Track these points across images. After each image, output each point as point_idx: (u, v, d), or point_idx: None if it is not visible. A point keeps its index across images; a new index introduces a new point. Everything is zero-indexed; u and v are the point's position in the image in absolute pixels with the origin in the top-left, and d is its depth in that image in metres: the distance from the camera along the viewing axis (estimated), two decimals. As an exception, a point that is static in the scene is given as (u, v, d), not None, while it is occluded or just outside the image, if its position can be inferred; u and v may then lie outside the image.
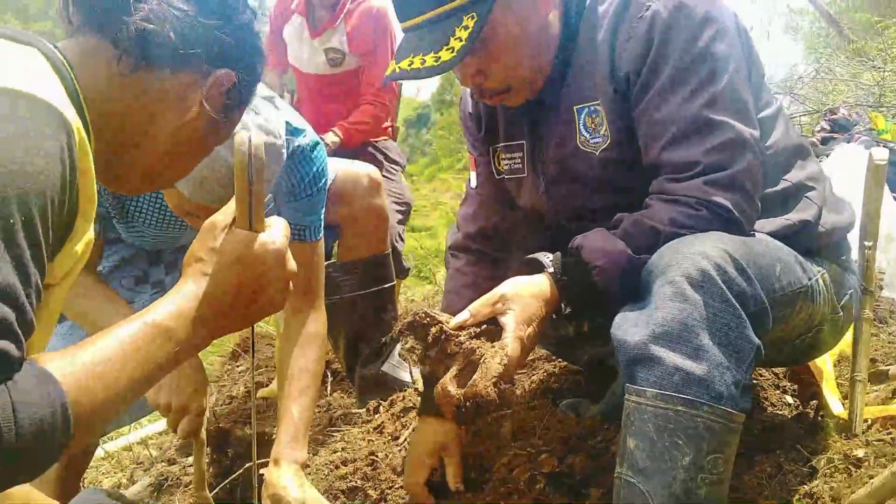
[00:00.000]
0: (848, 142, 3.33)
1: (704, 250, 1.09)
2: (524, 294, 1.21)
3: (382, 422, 1.99)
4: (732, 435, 1.08)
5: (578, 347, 1.71)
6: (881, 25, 6.11)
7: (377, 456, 1.80)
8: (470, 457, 1.61)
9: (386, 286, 2.17)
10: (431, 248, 5.26)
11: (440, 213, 5.64)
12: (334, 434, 2.07)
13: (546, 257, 1.29)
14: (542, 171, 1.44)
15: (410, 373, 2.18)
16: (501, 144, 1.51)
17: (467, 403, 1.11)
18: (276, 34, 3.18)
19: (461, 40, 1.18)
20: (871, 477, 1.24)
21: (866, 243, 1.54)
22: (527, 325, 1.19)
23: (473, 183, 1.65)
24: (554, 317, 1.27)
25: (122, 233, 1.69)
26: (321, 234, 1.73)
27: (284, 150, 1.40)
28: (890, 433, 1.43)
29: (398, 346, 2.23)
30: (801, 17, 9.45)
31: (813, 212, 1.36)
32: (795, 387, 1.73)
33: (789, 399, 1.72)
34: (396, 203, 2.76)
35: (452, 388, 1.13)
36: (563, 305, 1.26)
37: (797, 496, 1.33)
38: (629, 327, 1.11)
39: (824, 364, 1.62)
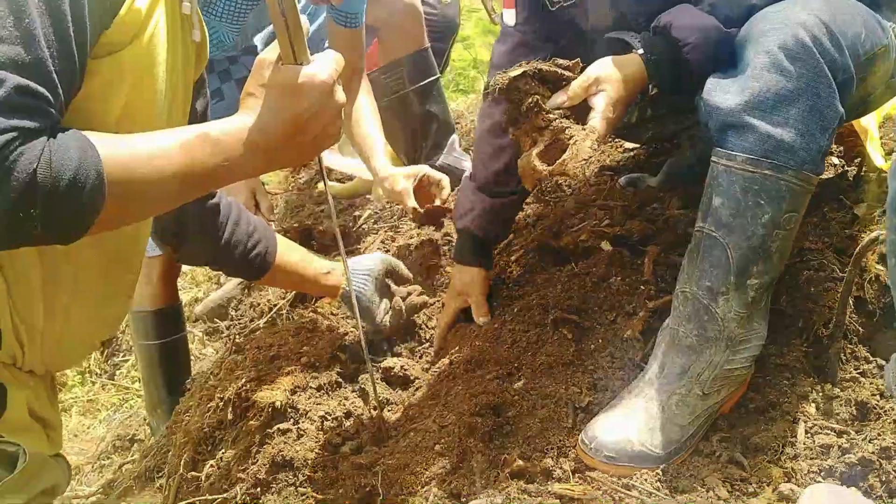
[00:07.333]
0: None
1: (801, 19, 1.11)
2: (617, 76, 1.23)
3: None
4: (808, 196, 1.18)
5: (640, 128, 1.73)
6: None
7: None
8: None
9: (432, 79, 2.29)
10: (468, 59, 5.13)
11: (474, 21, 5.33)
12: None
13: (633, 37, 1.29)
14: None
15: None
16: None
17: (552, 179, 1.20)
18: None
19: None
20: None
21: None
22: (614, 106, 1.22)
23: (510, 20, 1.58)
24: (639, 98, 1.29)
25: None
26: (363, 21, 1.94)
27: None
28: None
29: (456, 138, 2.37)
30: None
31: None
32: (841, 148, 1.82)
33: (835, 160, 1.81)
34: None
35: (538, 164, 1.19)
36: (650, 86, 1.27)
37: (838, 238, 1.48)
38: (722, 94, 1.16)
39: (868, 124, 1.70)
